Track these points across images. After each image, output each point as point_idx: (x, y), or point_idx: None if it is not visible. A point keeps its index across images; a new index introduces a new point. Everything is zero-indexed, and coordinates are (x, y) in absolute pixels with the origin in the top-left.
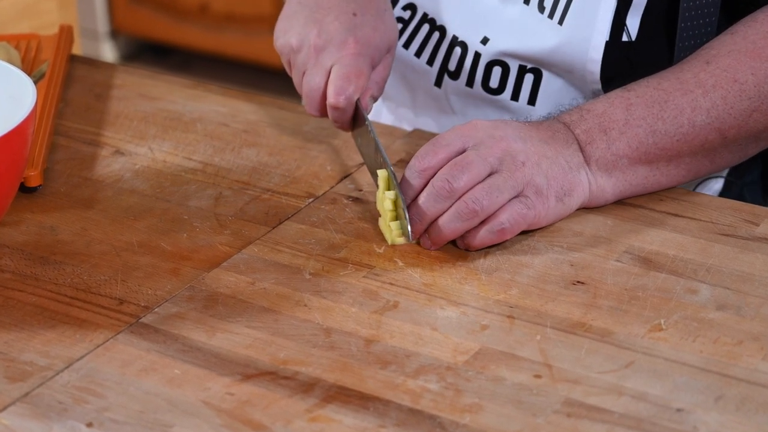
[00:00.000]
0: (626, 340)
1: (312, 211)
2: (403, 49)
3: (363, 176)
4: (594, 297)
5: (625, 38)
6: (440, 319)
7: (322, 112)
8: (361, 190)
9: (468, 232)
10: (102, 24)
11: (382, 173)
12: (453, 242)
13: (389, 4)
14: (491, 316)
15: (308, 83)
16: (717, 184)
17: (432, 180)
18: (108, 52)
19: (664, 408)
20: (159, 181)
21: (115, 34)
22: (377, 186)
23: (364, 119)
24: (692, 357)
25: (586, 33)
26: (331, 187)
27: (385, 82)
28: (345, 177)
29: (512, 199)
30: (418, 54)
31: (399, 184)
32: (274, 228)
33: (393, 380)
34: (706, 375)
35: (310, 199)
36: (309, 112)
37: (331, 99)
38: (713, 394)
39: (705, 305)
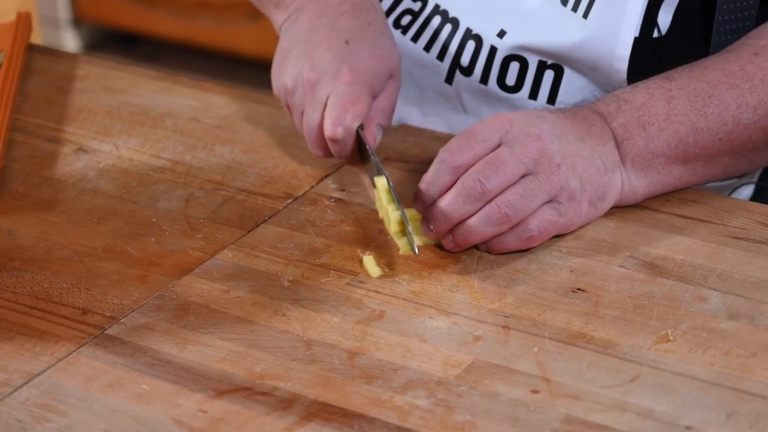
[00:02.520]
0: (631, 353)
1: (291, 213)
2: (411, 43)
3: (346, 175)
4: (596, 305)
5: (655, 34)
6: (430, 329)
7: (325, 149)
8: (343, 190)
9: (494, 236)
10: (63, 10)
11: (380, 183)
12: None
13: (388, 29)
14: (485, 327)
15: (307, 121)
16: (747, 190)
17: (462, 178)
18: (70, 41)
19: (671, 426)
20: (125, 181)
21: (77, 21)
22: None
23: (368, 150)
24: (702, 370)
25: (614, 28)
26: (312, 187)
27: (391, 110)
28: (326, 176)
29: (544, 204)
30: (428, 48)
31: (399, 202)
32: (249, 231)
33: (379, 396)
34: (717, 390)
35: (289, 200)
36: (313, 152)
37: (327, 131)
38: (725, 411)
39: (716, 314)
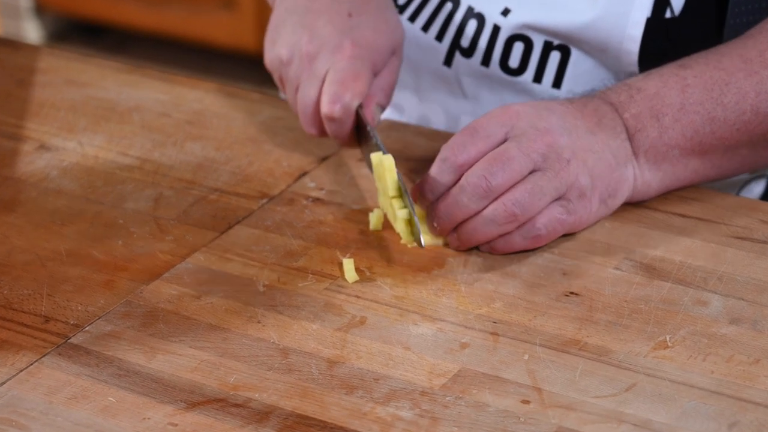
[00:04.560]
0: (627, 360)
1: (266, 214)
2: (408, 23)
3: (324, 173)
4: (590, 310)
5: (667, 14)
6: (414, 336)
7: (320, 128)
8: (322, 189)
9: (499, 235)
10: None
11: (387, 159)
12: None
13: (391, 1)
14: (472, 333)
15: (302, 96)
16: (759, 187)
17: (466, 174)
18: (32, 32)
19: None
20: (90, 181)
21: (40, 10)
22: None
23: (368, 131)
24: (702, 378)
25: (625, 7)
26: (288, 186)
27: (392, 88)
28: (303, 174)
29: (552, 201)
30: (426, 28)
31: (407, 192)
32: (222, 233)
33: (360, 407)
34: (718, 399)
35: (264, 200)
36: (306, 130)
37: (325, 108)
38: (726, 421)
39: (716, 319)
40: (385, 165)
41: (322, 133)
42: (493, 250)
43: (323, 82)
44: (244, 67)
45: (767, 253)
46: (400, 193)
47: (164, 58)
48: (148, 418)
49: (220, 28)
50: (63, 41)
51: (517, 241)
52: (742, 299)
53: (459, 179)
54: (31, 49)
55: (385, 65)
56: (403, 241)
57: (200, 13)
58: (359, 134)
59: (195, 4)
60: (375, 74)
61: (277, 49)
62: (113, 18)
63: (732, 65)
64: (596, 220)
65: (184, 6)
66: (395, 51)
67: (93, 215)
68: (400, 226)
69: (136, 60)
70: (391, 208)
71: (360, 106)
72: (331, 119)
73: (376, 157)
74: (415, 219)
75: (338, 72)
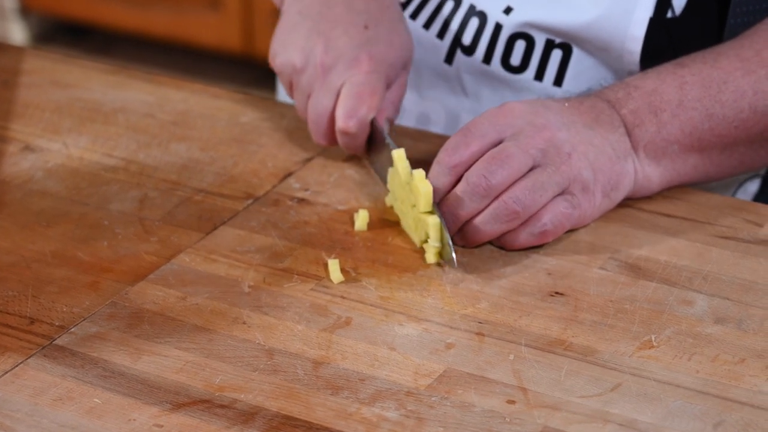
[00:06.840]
0: (612, 360)
1: (251, 215)
2: (410, 21)
3: (309, 174)
4: (575, 310)
5: (668, 14)
6: (399, 337)
7: (331, 139)
8: (307, 190)
9: (506, 232)
10: (10, 0)
11: (398, 153)
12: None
13: (402, 14)
14: (457, 334)
15: (314, 107)
16: (753, 186)
17: (466, 175)
18: (17, 33)
19: None
20: (75, 182)
21: (25, 11)
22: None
23: (384, 139)
24: (687, 378)
25: (629, 6)
26: (273, 187)
27: (401, 101)
28: (289, 175)
29: (556, 196)
30: (427, 26)
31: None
32: (207, 234)
33: (345, 408)
34: (704, 398)
35: (249, 201)
36: (316, 140)
37: (340, 122)
38: (712, 420)
39: (702, 318)
40: (416, 178)
41: (332, 143)
42: (505, 246)
43: (338, 94)
44: (229, 69)
45: (752, 252)
46: (432, 204)
47: (149, 59)
48: (134, 420)
49: (205, 30)
50: (48, 42)
51: (525, 237)
52: (727, 299)
53: (456, 180)
54: (16, 50)
55: (396, 79)
56: (429, 261)
57: (185, 14)
58: (369, 145)
59: (180, 5)
60: (387, 88)
61: (289, 54)
62: (98, 19)
63: (729, 64)
64: (600, 213)
65: (169, 7)
66: (406, 65)
67: (78, 216)
68: (428, 244)
69: (121, 61)
70: (414, 224)
71: (373, 119)
72: (346, 133)
73: (413, 173)
74: (447, 235)
75: (355, 86)
